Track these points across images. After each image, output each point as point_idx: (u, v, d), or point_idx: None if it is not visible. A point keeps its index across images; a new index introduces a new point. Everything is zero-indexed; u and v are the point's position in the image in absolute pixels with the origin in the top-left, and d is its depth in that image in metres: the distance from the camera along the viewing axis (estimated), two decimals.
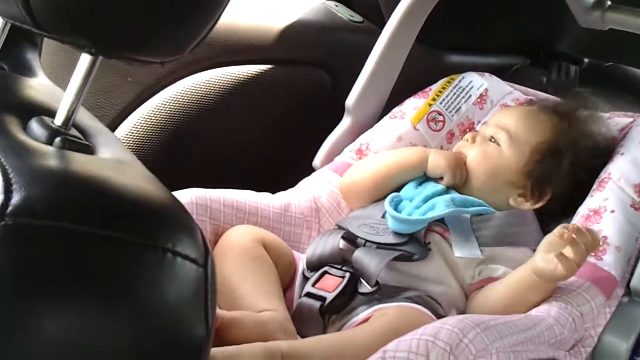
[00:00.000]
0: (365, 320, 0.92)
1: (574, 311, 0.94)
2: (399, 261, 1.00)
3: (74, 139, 0.51)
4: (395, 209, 1.06)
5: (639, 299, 0.99)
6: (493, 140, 1.12)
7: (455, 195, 1.08)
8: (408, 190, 1.11)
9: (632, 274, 1.00)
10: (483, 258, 1.00)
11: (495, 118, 1.18)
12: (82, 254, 0.42)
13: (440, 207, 1.04)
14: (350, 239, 1.03)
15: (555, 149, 1.11)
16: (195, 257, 0.46)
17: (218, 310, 0.81)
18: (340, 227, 1.06)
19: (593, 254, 1.00)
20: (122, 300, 0.43)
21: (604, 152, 1.14)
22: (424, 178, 1.13)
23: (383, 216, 1.07)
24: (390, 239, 1.01)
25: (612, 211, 1.05)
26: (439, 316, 0.95)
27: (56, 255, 0.42)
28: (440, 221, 1.04)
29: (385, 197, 1.09)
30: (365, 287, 0.96)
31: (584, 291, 0.96)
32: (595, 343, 0.96)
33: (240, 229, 1.04)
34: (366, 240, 1.01)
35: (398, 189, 1.12)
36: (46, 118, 0.53)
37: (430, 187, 1.09)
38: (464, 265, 1.01)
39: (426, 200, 1.07)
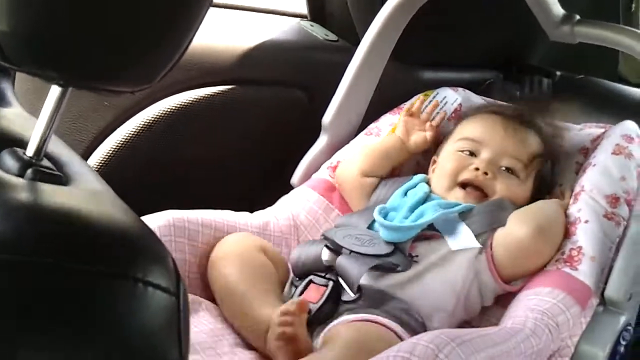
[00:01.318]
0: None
1: (550, 322, 0.95)
2: (383, 272, 1.01)
3: (46, 170, 0.52)
4: (384, 219, 1.07)
5: (613, 308, 1.01)
6: (510, 171, 1.14)
7: (439, 200, 1.11)
8: (395, 199, 1.13)
9: (606, 283, 1.01)
10: (480, 247, 1.03)
11: (495, 140, 1.15)
12: (52, 288, 0.43)
13: (429, 213, 1.06)
14: (335, 249, 1.04)
15: (544, 162, 1.18)
16: (167, 285, 0.46)
17: None
18: (326, 238, 1.07)
19: (569, 263, 1.02)
20: (94, 332, 0.43)
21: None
22: (409, 187, 1.15)
23: (369, 227, 1.09)
24: (375, 250, 1.02)
25: (586, 221, 1.06)
26: (413, 329, 0.96)
27: (27, 289, 0.42)
28: (429, 227, 1.06)
29: (373, 187, 1.16)
30: (348, 295, 0.98)
31: (560, 302, 0.98)
32: (572, 353, 0.97)
33: (239, 236, 1.06)
34: (351, 251, 1.03)
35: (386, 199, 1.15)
36: (18, 149, 0.53)
37: (412, 196, 1.12)
38: (461, 255, 1.03)
39: (412, 209, 1.09)
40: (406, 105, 1.30)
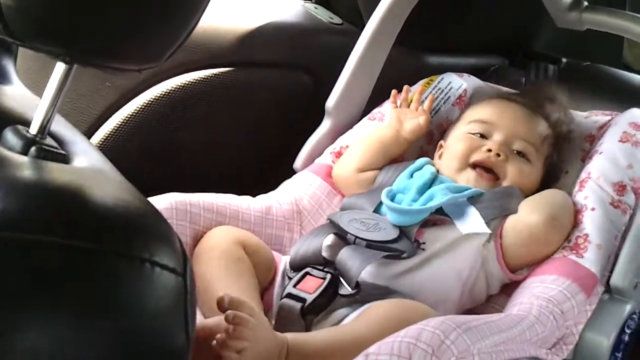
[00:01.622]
0: None
1: (555, 309, 0.94)
2: (388, 259, 1.00)
3: (49, 149, 0.51)
4: (392, 202, 1.06)
5: (619, 296, 1.00)
6: (522, 155, 1.13)
7: (448, 183, 1.09)
8: (401, 181, 1.12)
9: (612, 271, 1.01)
10: (490, 232, 1.02)
11: (506, 124, 1.14)
12: (58, 266, 0.42)
13: (438, 196, 1.05)
14: (340, 234, 1.03)
15: (551, 146, 1.17)
16: (174, 266, 0.46)
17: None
18: (331, 221, 1.06)
19: (575, 251, 1.01)
20: (101, 311, 0.42)
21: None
22: (414, 168, 1.14)
23: (375, 210, 1.08)
24: (381, 236, 1.01)
25: (593, 209, 1.06)
26: None
27: (33, 267, 0.41)
28: (438, 212, 1.05)
29: (372, 180, 1.15)
30: (345, 289, 0.97)
31: (565, 289, 0.97)
32: (576, 340, 0.97)
33: (220, 230, 1.04)
34: (356, 237, 1.01)
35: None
36: (21, 127, 0.52)
37: (419, 177, 1.11)
38: (469, 242, 1.02)
39: (420, 191, 1.08)
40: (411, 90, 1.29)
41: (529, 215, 1.04)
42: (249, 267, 0.99)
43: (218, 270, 0.96)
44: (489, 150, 1.11)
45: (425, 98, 1.26)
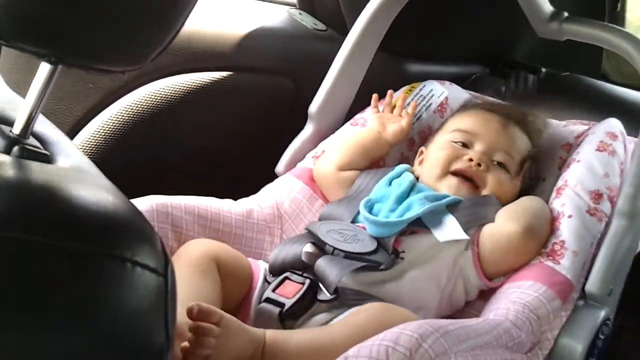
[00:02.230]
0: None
1: (531, 315, 0.96)
2: (365, 271, 1.00)
3: (32, 148, 0.51)
4: (370, 213, 1.07)
5: (594, 303, 1.02)
6: (502, 166, 1.14)
7: (426, 192, 1.10)
8: (380, 189, 1.13)
9: (587, 278, 1.02)
10: (468, 238, 1.03)
11: (488, 135, 1.16)
12: (39, 265, 0.42)
13: (416, 206, 1.06)
14: (319, 245, 1.03)
15: (530, 161, 1.18)
16: (155, 266, 0.46)
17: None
18: (309, 232, 1.07)
19: (551, 257, 1.03)
20: (80, 311, 0.42)
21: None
22: (393, 176, 1.15)
23: (353, 220, 1.08)
24: (359, 248, 1.02)
25: (570, 216, 1.07)
26: None
27: (12, 266, 0.41)
28: (416, 222, 1.05)
29: (351, 181, 1.16)
30: (324, 295, 0.97)
31: (541, 295, 0.98)
32: (551, 346, 0.98)
33: (196, 242, 1.03)
34: (334, 248, 1.02)
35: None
36: (4, 127, 0.53)
37: (397, 186, 1.12)
38: (447, 250, 1.03)
39: (398, 200, 1.09)
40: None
41: (506, 224, 1.05)
42: (214, 280, 0.97)
43: (182, 278, 0.95)
44: (470, 160, 1.13)
45: (408, 104, 1.28)
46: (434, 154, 1.17)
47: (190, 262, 0.96)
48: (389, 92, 1.29)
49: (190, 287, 0.94)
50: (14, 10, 0.48)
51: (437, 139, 1.20)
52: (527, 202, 1.10)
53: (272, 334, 0.88)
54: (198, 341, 0.82)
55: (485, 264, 1.05)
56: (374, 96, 1.28)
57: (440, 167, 1.14)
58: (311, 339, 0.89)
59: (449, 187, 1.12)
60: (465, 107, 1.29)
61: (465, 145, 1.16)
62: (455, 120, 1.22)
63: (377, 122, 1.23)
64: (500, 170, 1.14)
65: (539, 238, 1.05)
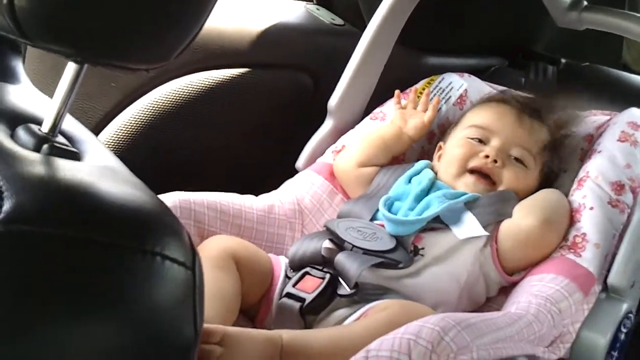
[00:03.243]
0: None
1: (552, 308, 0.96)
2: (383, 268, 1.01)
3: (61, 146, 0.52)
4: (389, 212, 1.07)
5: (616, 295, 1.01)
6: (519, 161, 1.14)
7: (445, 190, 1.10)
8: (399, 187, 1.13)
9: (609, 270, 1.02)
10: (487, 234, 1.03)
11: (504, 130, 1.15)
12: (71, 259, 0.43)
13: (435, 205, 1.06)
14: (338, 242, 1.04)
15: (549, 152, 1.17)
16: (183, 260, 0.47)
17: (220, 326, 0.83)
18: (328, 229, 1.07)
19: (573, 250, 1.03)
20: (112, 303, 0.43)
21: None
22: (413, 173, 1.15)
23: (372, 218, 1.09)
24: (378, 246, 1.02)
25: (591, 208, 1.07)
26: None
27: (46, 260, 0.42)
28: (435, 219, 1.05)
29: (371, 177, 1.16)
30: (344, 289, 0.97)
31: (563, 288, 0.98)
32: (573, 339, 0.98)
33: (214, 239, 1.03)
34: (353, 246, 1.02)
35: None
36: (33, 126, 0.54)
37: (417, 184, 1.12)
38: (467, 247, 1.03)
39: (417, 198, 1.09)
40: (412, 90, 1.30)
41: (523, 219, 1.05)
42: (233, 277, 0.97)
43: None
44: (486, 157, 1.13)
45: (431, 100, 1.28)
46: (451, 151, 1.17)
47: (209, 259, 0.96)
48: (413, 88, 1.29)
49: (210, 283, 0.93)
50: (40, 11, 0.49)
51: (453, 134, 1.20)
52: (544, 195, 1.10)
53: (289, 336, 0.86)
54: None
55: (505, 260, 1.05)
56: (397, 92, 1.28)
57: (457, 165, 1.14)
58: (331, 340, 0.88)
59: (466, 185, 1.12)
60: (481, 100, 1.28)
61: (481, 141, 1.15)
62: (471, 116, 1.21)
63: (398, 117, 1.23)
64: (517, 165, 1.14)
65: (558, 231, 1.05)
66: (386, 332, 0.82)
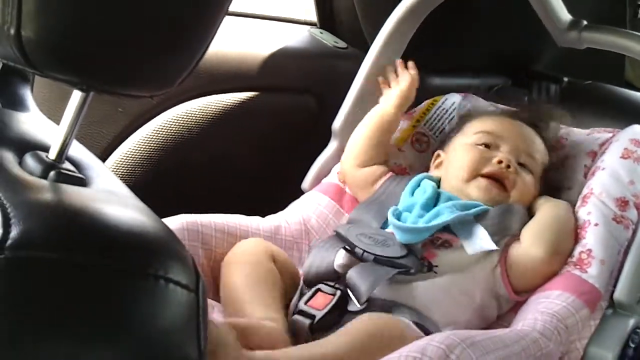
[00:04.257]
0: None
1: (559, 324, 0.96)
2: (395, 283, 1.01)
3: (68, 172, 0.53)
4: (398, 220, 1.08)
5: (622, 311, 1.01)
6: (526, 167, 1.15)
7: (454, 200, 1.10)
8: (405, 200, 1.14)
9: (615, 286, 1.02)
10: (499, 249, 1.04)
11: (511, 137, 1.17)
12: (77, 284, 0.44)
13: (445, 214, 1.06)
14: (350, 249, 1.04)
15: (549, 164, 1.20)
16: (187, 282, 0.48)
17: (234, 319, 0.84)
18: (338, 234, 1.08)
19: (578, 266, 1.03)
20: (117, 327, 0.44)
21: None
22: (413, 186, 1.16)
23: (382, 227, 1.09)
24: (389, 252, 1.02)
25: (596, 224, 1.07)
26: (425, 331, 0.96)
27: (53, 285, 0.43)
28: (445, 229, 1.06)
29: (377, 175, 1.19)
30: (354, 306, 0.97)
31: (569, 304, 0.98)
32: (580, 355, 0.98)
33: (251, 242, 1.06)
34: (364, 251, 1.02)
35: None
36: (40, 152, 0.55)
37: (421, 194, 1.12)
38: (480, 266, 1.04)
39: (425, 207, 1.09)
40: (416, 111, 1.31)
41: (533, 247, 1.05)
42: (278, 279, 1.01)
43: (247, 280, 0.99)
44: (500, 162, 1.13)
45: (430, 118, 1.29)
46: (459, 157, 1.16)
47: (252, 262, 1.01)
48: (417, 109, 1.30)
49: (254, 289, 0.97)
50: (46, 42, 0.50)
51: (457, 142, 1.20)
52: (553, 214, 1.10)
53: (264, 356, 0.84)
54: None
55: (513, 282, 1.05)
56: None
57: (468, 170, 1.14)
58: (301, 355, 0.87)
59: (479, 189, 1.12)
60: (479, 112, 1.29)
61: (489, 147, 1.16)
62: (477, 123, 1.22)
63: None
64: (525, 171, 1.15)
65: (565, 253, 1.06)
66: (363, 346, 0.83)
